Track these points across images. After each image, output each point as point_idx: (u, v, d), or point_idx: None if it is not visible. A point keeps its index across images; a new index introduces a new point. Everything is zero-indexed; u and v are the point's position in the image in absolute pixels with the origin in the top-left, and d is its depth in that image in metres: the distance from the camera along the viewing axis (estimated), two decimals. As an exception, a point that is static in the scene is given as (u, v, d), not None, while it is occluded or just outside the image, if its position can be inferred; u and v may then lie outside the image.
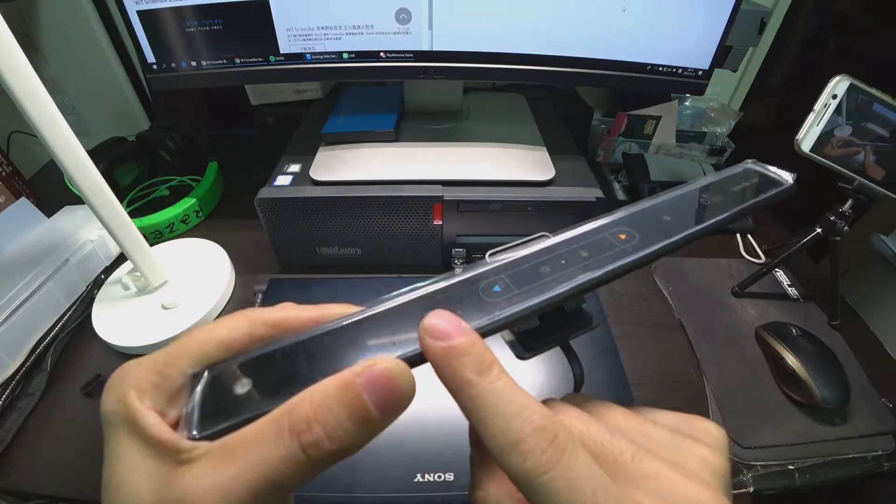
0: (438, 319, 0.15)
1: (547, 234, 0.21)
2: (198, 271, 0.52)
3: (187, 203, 0.59)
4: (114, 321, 0.47)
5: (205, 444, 0.14)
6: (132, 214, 0.45)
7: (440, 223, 0.50)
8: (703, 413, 0.43)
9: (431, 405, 0.41)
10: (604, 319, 0.48)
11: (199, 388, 0.15)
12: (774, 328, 0.47)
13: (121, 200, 0.43)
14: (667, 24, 0.46)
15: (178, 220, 0.59)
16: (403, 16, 0.45)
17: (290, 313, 0.17)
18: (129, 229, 0.44)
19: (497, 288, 0.17)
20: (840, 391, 0.42)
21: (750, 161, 0.24)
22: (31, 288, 0.45)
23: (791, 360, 0.43)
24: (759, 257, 0.59)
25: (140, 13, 0.44)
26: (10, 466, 0.38)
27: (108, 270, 0.53)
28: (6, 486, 0.37)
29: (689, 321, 0.50)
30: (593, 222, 0.20)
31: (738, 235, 0.63)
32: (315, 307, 0.17)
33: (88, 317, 0.48)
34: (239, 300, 0.52)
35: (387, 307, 0.17)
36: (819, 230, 0.49)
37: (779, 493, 0.39)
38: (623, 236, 0.20)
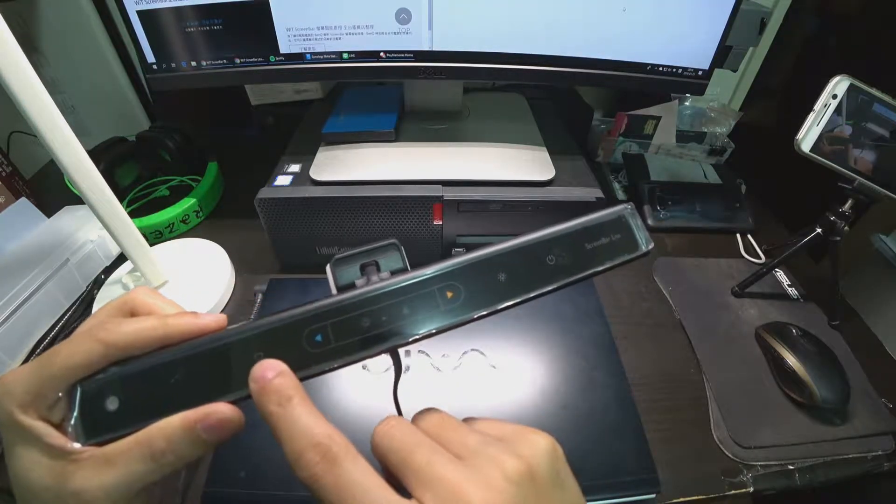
0: (259, 368, 0.18)
1: (395, 241, 0.22)
2: (198, 271, 0.52)
3: (187, 203, 0.59)
4: (114, 321, 0.47)
5: (90, 450, 0.18)
6: (132, 214, 0.45)
7: (440, 223, 0.50)
8: (703, 413, 0.43)
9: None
10: (604, 320, 0.48)
11: (76, 403, 0.19)
12: (774, 328, 0.47)
13: (121, 200, 0.43)
14: (667, 25, 0.46)
15: (178, 220, 0.59)
16: (403, 16, 0.45)
17: (139, 336, 0.19)
18: (129, 229, 0.44)
19: (318, 338, 0.19)
20: (840, 391, 0.42)
21: (628, 208, 0.21)
22: (31, 288, 0.45)
23: (791, 360, 0.43)
24: (759, 257, 0.59)
25: (140, 13, 0.44)
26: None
27: (108, 270, 0.53)
28: (6, 486, 0.37)
29: (689, 321, 0.50)
30: (432, 268, 0.20)
31: (738, 235, 0.63)
32: (163, 324, 0.20)
33: (88, 317, 0.48)
34: (239, 300, 0.52)
35: (218, 344, 0.19)
36: (819, 230, 0.49)
37: (779, 493, 0.39)
38: (450, 294, 0.20)
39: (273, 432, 0.18)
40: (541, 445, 0.19)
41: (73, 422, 0.18)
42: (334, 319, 0.19)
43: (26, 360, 0.44)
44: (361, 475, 0.17)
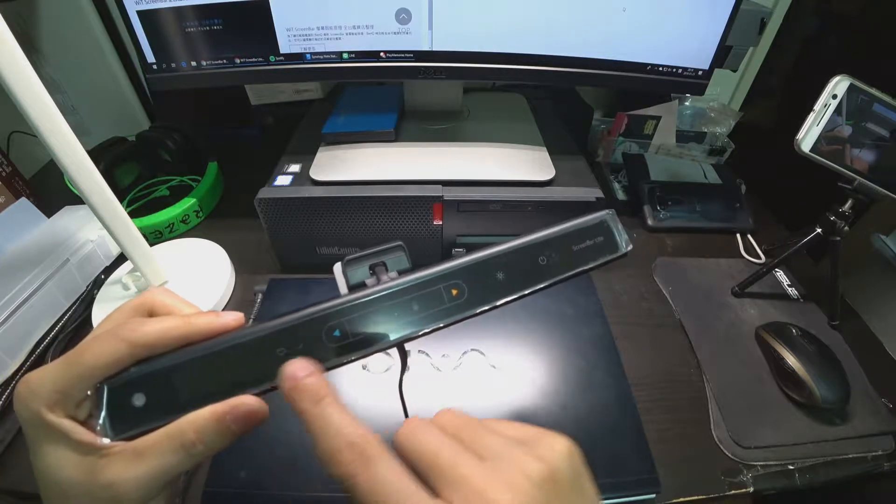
0: (290, 367, 0.19)
1: (401, 243, 0.23)
2: (198, 271, 0.52)
3: (187, 203, 0.59)
4: (114, 321, 0.47)
5: (119, 445, 0.19)
6: (132, 214, 0.45)
7: (440, 223, 0.50)
8: (704, 413, 0.43)
9: (433, 406, 0.41)
10: (604, 320, 0.48)
11: (104, 401, 0.19)
12: (774, 328, 0.47)
13: (121, 200, 0.43)
14: (667, 25, 0.46)
15: (178, 220, 0.59)
16: (403, 16, 0.45)
17: (163, 335, 0.20)
18: (129, 229, 0.44)
19: (337, 333, 0.21)
20: (840, 391, 0.42)
21: (609, 213, 0.23)
22: (31, 288, 0.45)
23: (791, 360, 0.43)
24: (759, 257, 0.59)
25: (140, 13, 0.44)
26: (10, 466, 0.38)
27: (108, 270, 0.53)
28: (6, 486, 0.37)
29: (689, 321, 0.50)
30: (438, 268, 0.22)
31: (738, 235, 0.63)
32: (185, 323, 0.21)
33: (88, 317, 0.48)
34: (239, 300, 0.52)
35: (242, 340, 0.20)
36: (819, 230, 0.49)
37: (779, 493, 0.39)
38: (455, 292, 0.22)
39: (307, 429, 0.19)
40: (560, 448, 0.19)
41: (101, 419, 0.19)
42: (352, 316, 0.21)
43: (26, 360, 0.44)
44: (395, 475, 0.18)
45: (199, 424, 0.19)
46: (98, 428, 0.19)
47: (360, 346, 0.21)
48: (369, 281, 0.22)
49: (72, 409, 0.19)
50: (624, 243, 0.23)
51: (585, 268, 0.23)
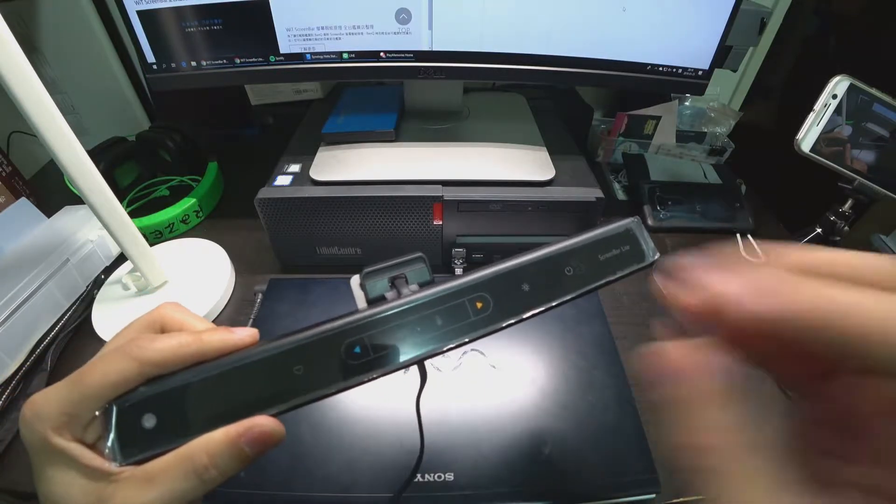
0: None
1: (422, 254, 0.23)
2: (198, 271, 0.52)
3: (187, 203, 0.59)
4: (114, 321, 0.47)
5: (129, 469, 0.18)
6: (132, 214, 0.45)
7: (440, 223, 0.50)
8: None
9: (432, 406, 0.41)
10: (604, 320, 0.48)
11: (112, 423, 0.18)
12: (774, 328, 0.47)
13: (121, 200, 0.43)
14: (667, 24, 0.46)
15: (178, 220, 0.59)
16: (403, 16, 0.45)
17: (174, 352, 0.19)
18: (129, 229, 0.44)
19: (357, 349, 0.20)
20: (840, 391, 0.41)
21: (634, 221, 0.23)
22: (31, 288, 0.45)
23: (791, 360, 0.43)
24: (760, 257, 0.59)
25: (140, 13, 0.44)
26: (11, 466, 0.38)
27: (108, 270, 0.53)
28: (6, 486, 0.37)
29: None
30: (461, 280, 0.21)
31: (738, 235, 0.63)
32: (197, 340, 0.20)
33: (88, 317, 0.48)
34: (239, 300, 0.52)
35: (257, 358, 0.19)
36: (819, 230, 0.49)
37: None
38: (479, 305, 0.20)
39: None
40: None
41: (109, 442, 0.18)
42: (372, 331, 0.20)
43: (26, 360, 0.44)
44: None
45: (212, 448, 0.18)
46: (106, 451, 0.18)
47: (381, 363, 0.20)
48: (389, 294, 0.21)
49: (80, 432, 0.18)
50: (651, 252, 0.22)
51: (612, 278, 0.22)
